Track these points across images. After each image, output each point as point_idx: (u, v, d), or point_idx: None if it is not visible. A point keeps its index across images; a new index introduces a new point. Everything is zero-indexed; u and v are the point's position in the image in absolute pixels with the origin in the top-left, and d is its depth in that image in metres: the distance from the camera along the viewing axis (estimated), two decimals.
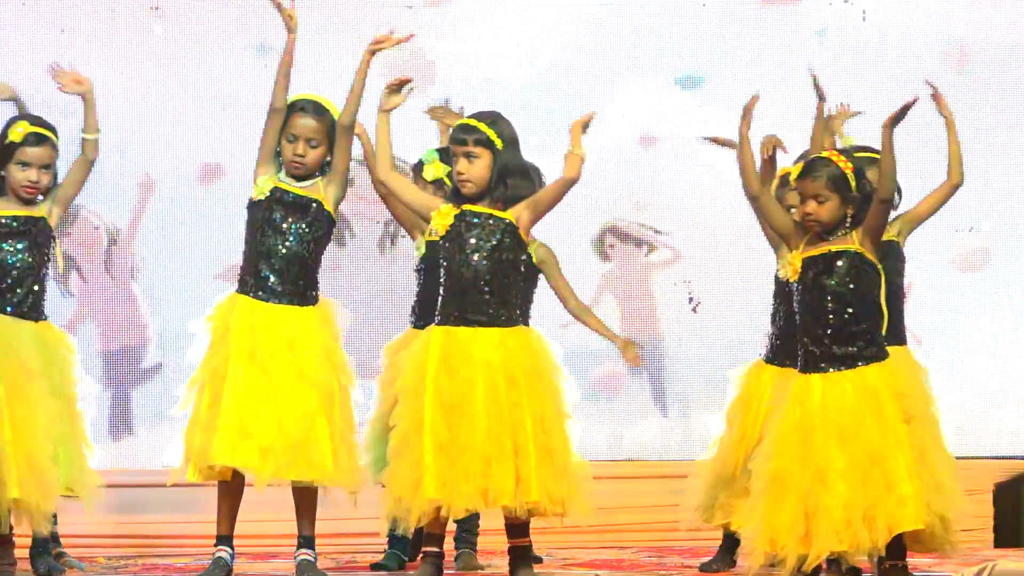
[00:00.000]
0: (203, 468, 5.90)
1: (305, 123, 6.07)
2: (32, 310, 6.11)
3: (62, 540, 6.43)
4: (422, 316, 6.47)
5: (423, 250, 6.51)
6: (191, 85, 7.85)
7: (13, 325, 5.92)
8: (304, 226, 6.05)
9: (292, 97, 6.20)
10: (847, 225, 5.68)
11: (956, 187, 6.17)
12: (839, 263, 5.68)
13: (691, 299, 8.03)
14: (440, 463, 5.72)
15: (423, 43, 7.55)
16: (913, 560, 5.79)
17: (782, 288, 6.38)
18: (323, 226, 6.11)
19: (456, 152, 5.82)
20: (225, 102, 7.38)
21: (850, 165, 5.75)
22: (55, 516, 6.02)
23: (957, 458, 6.11)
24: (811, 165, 5.74)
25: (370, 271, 7.72)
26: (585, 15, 8.12)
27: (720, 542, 6.47)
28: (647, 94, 8.13)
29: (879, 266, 5.72)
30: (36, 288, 6.10)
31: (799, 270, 5.70)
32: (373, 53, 6.14)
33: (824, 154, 5.82)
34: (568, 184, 5.88)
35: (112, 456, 7.25)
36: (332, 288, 6.67)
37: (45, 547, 6.22)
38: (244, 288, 6.02)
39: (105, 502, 6.50)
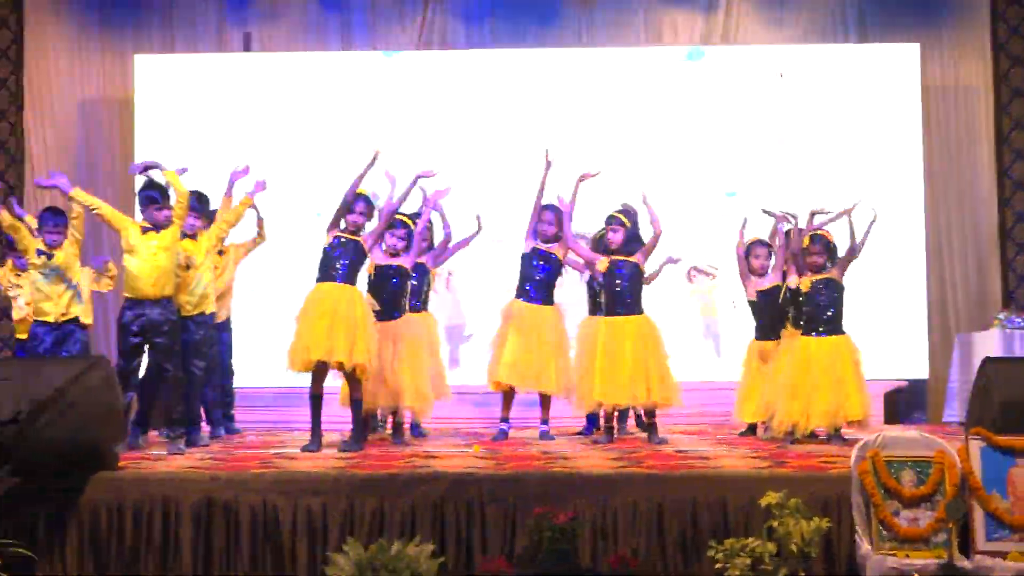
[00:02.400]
0: (499, 386, 8.41)
1: None
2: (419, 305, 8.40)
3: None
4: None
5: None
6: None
7: (414, 315, 8.26)
8: (545, 263, 8.46)
9: None
10: (828, 266, 7.85)
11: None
12: (825, 284, 7.85)
13: (733, 302, 10.10)
14: (603, 381, 7.92)
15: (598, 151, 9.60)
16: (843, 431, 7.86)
17: (755, 301, 8.55)
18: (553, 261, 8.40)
19: (608, 228, 8.19)
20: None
21: (832, 238, 7.81)
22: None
23: (868, 380, 8.13)
24: (817, 239, 7.82)
25: None
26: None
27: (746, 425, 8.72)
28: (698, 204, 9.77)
29: (843, 286, 7.85)
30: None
31: (808, 286, 7.91)
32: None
33: (821, 233, 7.85)
34: (659, 238, 8.08)
35: (451, 378, 9.22)
36: None
37: (418, 426, 8.75)
38: (520, 296, 8.46)
39: (447, 403, 9.05)
